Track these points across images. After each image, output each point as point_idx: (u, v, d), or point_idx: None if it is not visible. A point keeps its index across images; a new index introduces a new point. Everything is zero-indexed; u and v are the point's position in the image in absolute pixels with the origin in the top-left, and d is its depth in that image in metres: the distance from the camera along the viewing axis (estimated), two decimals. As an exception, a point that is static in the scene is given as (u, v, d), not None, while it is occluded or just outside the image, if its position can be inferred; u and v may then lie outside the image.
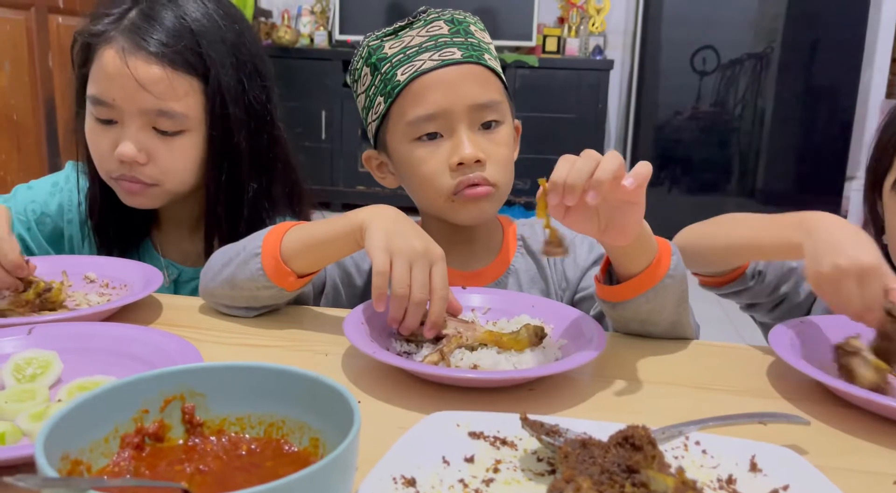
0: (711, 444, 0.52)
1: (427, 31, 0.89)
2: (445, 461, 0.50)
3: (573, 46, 4.23)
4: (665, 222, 4.04)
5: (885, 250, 0.89)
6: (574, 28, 4.25)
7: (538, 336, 0.68)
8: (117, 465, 0.45)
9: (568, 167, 0.63)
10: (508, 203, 4.14)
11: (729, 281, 0.91)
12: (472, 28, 0.91)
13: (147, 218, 1.06)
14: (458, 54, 0.87)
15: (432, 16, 0.90)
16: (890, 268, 0.68)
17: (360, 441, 0.46)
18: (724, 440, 0.52)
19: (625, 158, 3.98)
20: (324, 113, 4.28)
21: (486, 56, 0.90)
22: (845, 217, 3.69)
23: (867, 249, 0.68)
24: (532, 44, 4.12)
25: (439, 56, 0.87)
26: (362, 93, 0.94)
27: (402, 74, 0.87)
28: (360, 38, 3.67)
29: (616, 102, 4.47)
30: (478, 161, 0.86)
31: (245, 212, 0.99)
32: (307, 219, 1.11)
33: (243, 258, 0.80)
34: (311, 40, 4.52)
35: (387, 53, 0.89)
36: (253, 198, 0.99)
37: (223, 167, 0.97)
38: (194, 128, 0.94)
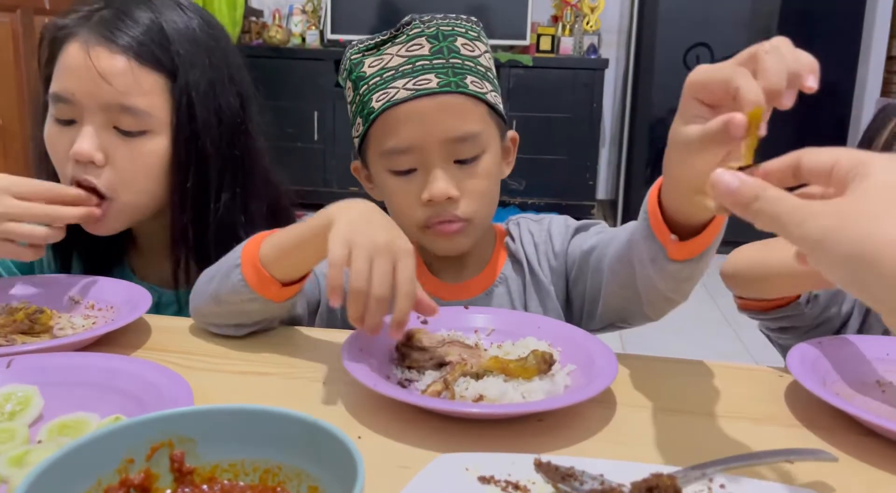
0: (736, 487, 0.49)
1: (407, 51, 0.84)
2: (454, 511, 0.46)
3: (567, 45, 4.21)
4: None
5: None
6: (568, 27, 4.23)
7: (547, 363, 0.65)
8: (100, 521, 0.42)
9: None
10: (503, 204, 4.11)
11: (779, 306, 0.84)
12: (460, 42, 0.85)
13: (122, 240, 1.01)
14: (433, 82, 0.83)
15: (415, 30, 0.85)
16: None
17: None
18: (749, 483, 0.49)
19: (620, 157, 3.98)
20: (316, 113, 4.24)
21: (469, 79, 0.84)
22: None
23: None
24: (526, 43, 4.09)
25: (414, 84, 0.83)
26: (348, 104, 0.91)
27: (376, 101, 0.84)
28: (352, 37, 3.64)
29: (611, 101, 4.45)
30: (449, 198, 0.83)
31: (213, 225, 0.94)
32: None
33: (225, 271, 0.76)
34: (303, 40, 4.48)
35: (365, 72, 0.86)
36: (225, 212, 0.94)
37: (189, 174, 0.91)
38: (157, 130, 0.89)
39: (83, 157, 0.86)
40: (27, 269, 1.02)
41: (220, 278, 0.76)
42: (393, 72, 0.84)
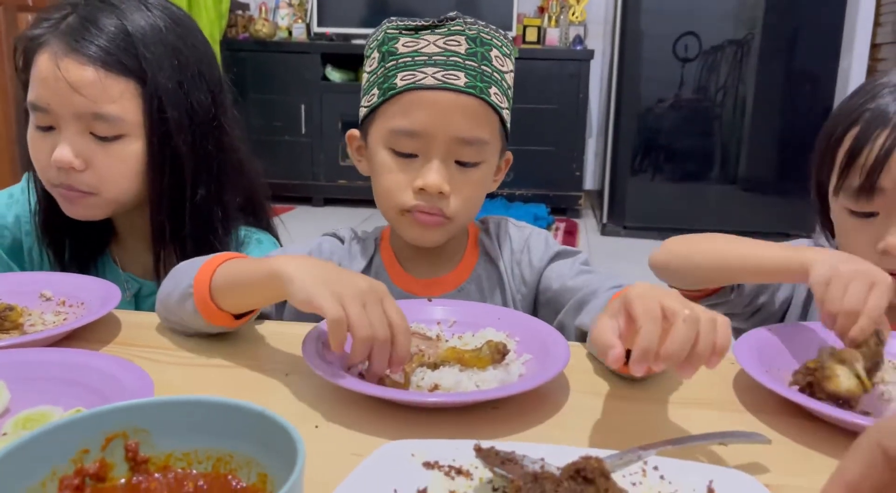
0: (670, 469, 0.51)
1: (445, 43, 0.85)
2: (397, 495, 0.48)
3: (553, 36, 4.22)
4: (648, 211, 4.03)
5: None
6: (554, 18, 4.24)
7: (500, 353, 0.67)
8: (54, 510, 0.44)
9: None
10: (489, 195, 4.13)
11: (708, 295, 0.91)
12: (494, 53, 0.87)
13: (105, 231, 1.04)
14: (462, 81, 0.84)
15: (457, 27, 0.85)
16: None
17: (315, 469, 0.45)
18: (682, 465, 0.51)
19: (606, 148, 4.00)
20: (303, 107, 4.24)
21: (493, 90, 0.86)
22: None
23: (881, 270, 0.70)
24: (512, 34, 4.10)
25: (443, 76, 0.84)
26: (366, 73, 0.91)
27: (401, 80, 0.85)
28: (338, 30, 3.62)
29: (597, 92, 4.46)
30: (441, 192, 0.84)
31: (190, 220, 0.96)
32: (268, 226, 1.09)
33: (181, 295, 0.76)
34: (290, 33, 4.48)
35: (397, 49, 0.86)
36: (201, 206, 0.97)
37: (164, 173, 0.94)
38: (132, 133, 0.92)
39: (63, 164, 0.89)
40: (17, 255, 1.04)
41: (177, 300, 0.77)
42: (425, 58, 0.84)
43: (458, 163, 0.86)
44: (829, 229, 0.93)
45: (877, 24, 3.97)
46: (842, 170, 0.85)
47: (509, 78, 0.90)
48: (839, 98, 3.80)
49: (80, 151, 0.90)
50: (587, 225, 4.13)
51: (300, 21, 4.48)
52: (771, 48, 3.67)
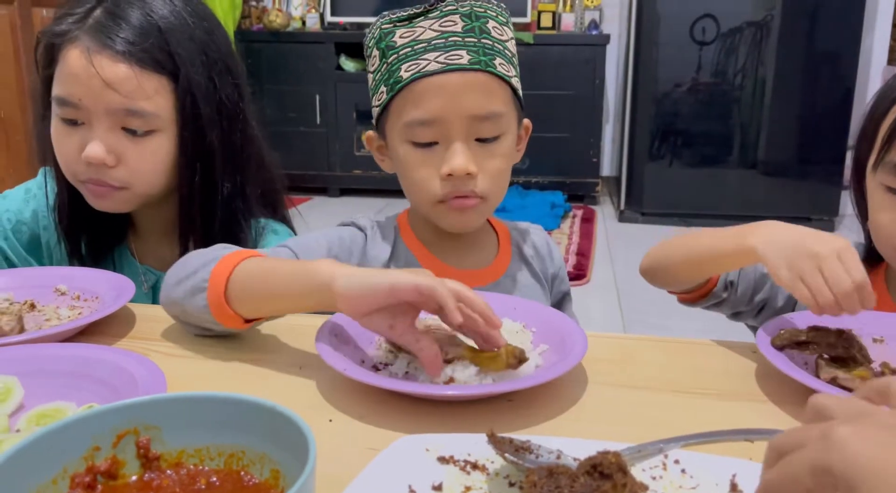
0: (691, 462, 0.50)
1: (440, 26, 0.84)
2: (412, 491, 0.47)
3: (569, 21, 4.17)
4: (667, 197, 3.98)
5: (868, 237, 0.89)
6: (569, 2, 4.19)
7: (517, 359, 0.65)
8: (66, 508, 0.43)
9: None
10: (507, 183, 4.10)
11: (703, 296, 0.90)
12: (491, 24, 0.86)
13: (122, 223, 1.04)
14: (465, 59, 0.83)
15: (449, 7, 0.85)
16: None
17: (329, 463, 0.45)
18: (704, 458, 0.50)
19: (623, 134, 3.95)
20: (318, 97, 4.23)
21: (498, 60, 0.85)
22: (847, 188, 3.65)
23: (830, 235, 0.70)
24: (527, 20, 4.06)
25: (445, 58, 0.83)
26: (370, 73, 0.91)
27: (405, 71, 0.84)
28: (352, 20, 3.61)
29: (613, 77, 4.41)
30: (468, 174, 0.84)
31: (219, 213, 0.96)
32: (284, 218, 1.09)
33: (192, 287, 0.73)
34: (303, 23, 4.47)
35: (396, 43, 0.85)
36: (227, 199, 0.97)
37: (196, 168, 0.94)
38: (164, 128, 0.92)
39: (95, 161, 0.89)
40: (35, 250, 1.05)
41: (187, 292, 0.73)
42: (425, 44, 0.84)
43: (479, 140, 0.85)
44: (863, 211, 0.91)
45: (900, 2, 3.88)
46: (883, 144, 0.83)
47: (511, 45, 0.89)
48: (861, 79, 3.73)
49: (112, 147, 0.90)
50: (605, 212, 4.10)
51: (313, 11, 4.46)
52: (790, 29, 3.60)
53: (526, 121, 0.95)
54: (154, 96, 0.90)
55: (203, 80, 0.92)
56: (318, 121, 4.27)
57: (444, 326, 0.71)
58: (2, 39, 2.72)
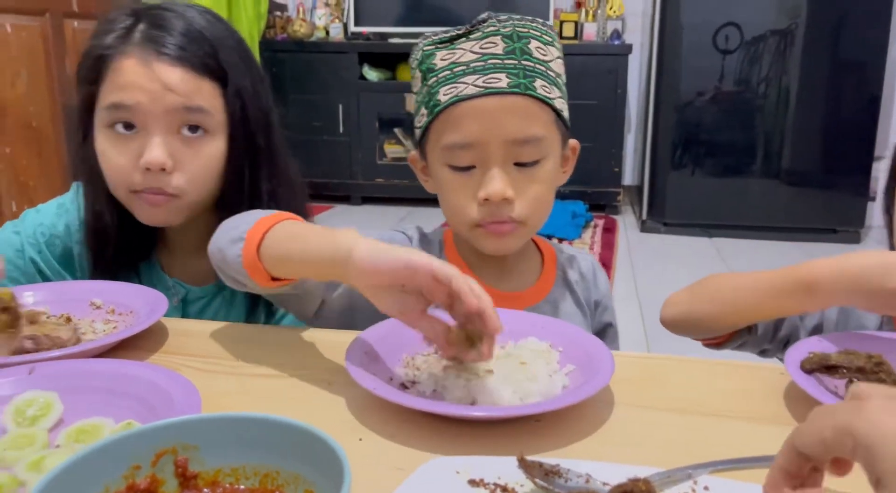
0: (721, 489, 0.50)
1: (481, 48, 0.83)
2: (443, 513, 0.48)
3: (591, 31, 4.17)
4: (689, 207, 3.97)
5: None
6: (591, 12, 4.19)
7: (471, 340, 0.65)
8: (108, 526, 0.45)
9: None
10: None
11: (726, 341, 0.89)
12: (534, 45, 0.85)
13: (151, 238, 1.06)
14: (503, 82, 0.82)
15: (490, 28, 0.84)
16: None
17: (358, 483, 0.45)
18: (734, 486, 0.50)
19: (645, 142, 3.94)
20: (341, 106, 4.27)
21: (539, 82, 0.84)
22: (873, 199, 3.60)
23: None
24: (549, 29, 4.06)
25: (484, 82, 0.82)
26: (414, 94, 0.92)
27: (443, 95, 0.84)
28: (375, 30, 3.65)
29: (636, 87, 4.40)
30: (505, 199, 0.83)
31: None
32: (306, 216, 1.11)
33: (235, 235, 0.76)
34: (327, 33, 4.51)
35: (436, 65, 0.85)
36: (266, 205, 0.99)
37: (243, 173, 0.97)
38: (217, 132, 0.95)
39: (156, 165, 0.91)
40: (69, 264, 1.07)
41: (229, 239, 0.76)
42: (464, 67, 0.83)
43: (518, 164, 0.84)
44: (890, 231, 0.90)
45: (928, 11, 3.83)
46: None
47: (556, 65, 0.87)
48: (887, 88, 3.70)
49: (171, 152, 0.92)
50: (626, 222, 4.09)
51: (337, 21, 4.51)
52: (816, 38, 3.57)
53: (573, 141, 0.93)
54: (209, 98, 0.93)
55: (248, 85, 0.96)
56: (341, 130, 4.30)
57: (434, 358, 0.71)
58: (34, 51, 2.78)
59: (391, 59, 4.30)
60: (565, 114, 0.89)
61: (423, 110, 0.88)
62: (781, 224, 3.71)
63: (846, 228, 3.68)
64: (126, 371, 0.67)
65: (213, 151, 0.95)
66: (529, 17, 0.86)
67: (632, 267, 3.28)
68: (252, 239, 0.74)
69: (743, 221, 3.77)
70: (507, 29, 0.84)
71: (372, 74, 4.27)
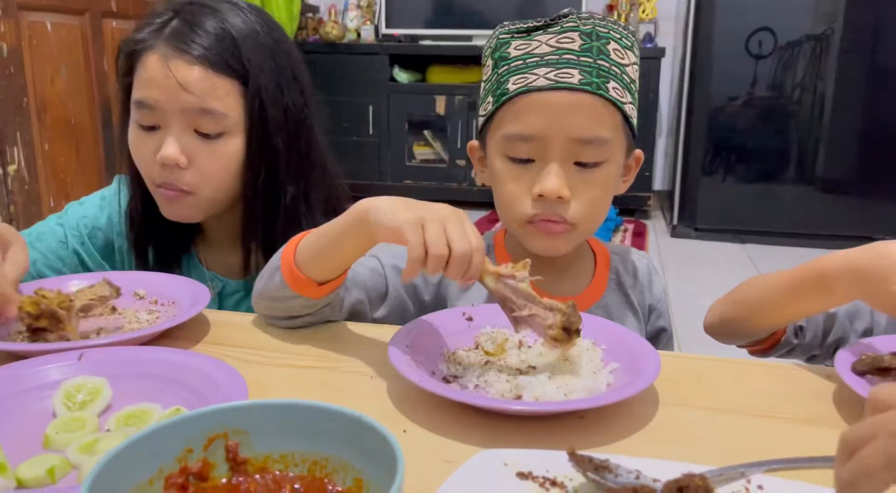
0: (775, 488, 0.49)
1: (557, 42, 0.82)
2: (492, 505, 0.48)
3: (623, 34, 4.14)
4: (721, 212, 3.92)
5: None
6: (624, 16, 4.17)
7: (567, 332, 0.67)
8: (162, 507, 0.45)
9: None
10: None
11: (773, 346, 0.87)
12: (612, 46, 0.83)
13: (190, 232, 1.07)
14: (576, 78, 0.80)
15: (570, 23, 0.82)
16: None
17: (406, 475, 0.44)
18: (788, 485, 0.49)
19: (677, 148, 3.90)
20: (371, 108, 4.29)
21: (612, 84, 0.82)
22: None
23: None
24: (580, 32, 4.05)
25: (555, 75, 0.80)
26: (483, 82, 0.90)
27: (513, 84, 0.82)
28: (406, 31, 3.66)
29: (668, 91, 4.36)
30: (560, 198, 0.81)
31: (281, 217, 0.99)
32: None
33: (270, 272, 0.80)
34: (358, 35, 4.54)
35: (509, 54, 0.84)
36: (290, 203, 1.00)
37: (261, 172, 0.98)
38: (234, 131, 0.95)
39: (169, 161, 0.93)
40: (110, 256, 1.09)
41: (267, 277, 0.80)
42: (537, 59, 0.82)
43: (579, 164, 0.82)
44: None
45: (969, 16, 3.75)
46: None
47: (631, 71, 0.85)
48: (926, 95, 3.62)
49: (185, 149, 0.93)
50: (656, 227, 4.05)
51: (369, 23, 4.53)
52: (852, 43, 3.51)
53: (637, 151, 0.91)
54: (225, 98, 0.93)
55: (271, 85, 0.96)
56: (371, 131, 4.32)
57: (522, 281, 0.71)
58: (73, 50, 2.83)
59: (421, 60, 4.31)
60: (634, 121, 0.87)
61: (490, 98, 0.86)
62: (815, 231, 3.65)
63: (882, 235, 3.59)
64: (173, 359, 0.68)
65: (229, 149, 0.95)
66: (613, 20, 0.85)
67: (661, 271, 3.25)
68: (286, 259, 0.78)
69: (776, 228, 3.71)
70: (587, 27, 0.82)
71: (402, 76, 4.29)
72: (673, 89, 4.35)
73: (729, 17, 3.58)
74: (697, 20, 3.65)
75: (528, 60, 0.82)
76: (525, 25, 0.84)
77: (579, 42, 0.81)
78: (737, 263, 3.42)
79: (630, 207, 4.12)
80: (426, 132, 4.35)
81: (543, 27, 0.83)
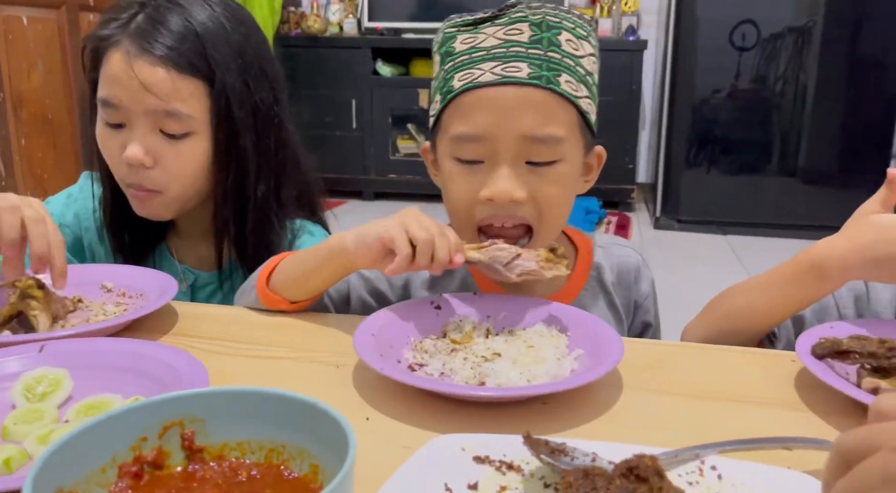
0: (728, 469, 0.49)
1: (505, 34, 0.76)
2: (448, 489, 0.48)
3: (605, 27, 4.15)
4: (704, 204, 3.94)
5: None
6: (606, 8, 4.17)
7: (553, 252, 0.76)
8: (114, 495, 0.45)
9: None
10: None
11: None
12: (564, 37, 0.77)
13: (162, 225, 1.06)
14: (524, 72, 0.74)
15: (518, 14, 0.77)
16: None
17: (365, 461, 0.45)
18: (741, 465, 0.50)
19: (660, 140, 3.92)
20: (354, 101, 4.28)
21: (564, 78, 0.76)
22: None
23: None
24: (563, 25, 4.05)
25: (502, 70, 0.75)
26: (433, 79, 0.85)
27: (458, 81, 0.77)
28: (389, 25, 3.64)
29: (651, 83, 4.37)
30: (513, 201, 0.75)
31: (251, 215, 0.98)
32: (321, 220, 1.10)
33: (247, 290, 0.88)
34: (341, 28, 4.51)
35: (455, 48, 0.79)
36: (261, 201, 0.99)
37: (229, 171, 0.97)
38: (200, 131, 0.94)
39: (134, 161, 0.92)
40: (79, 252, 1.08)
41: (244, 296, 0.89)
42: (483, 53, 0.76)
43: (531, 164, 0.77)
44: None
45: (948, 7, 3.78)
46: None
47: (587, 63, 0.79)
48: (906, 87, 3.65)
49: (150, 149, 0.92)
50: (640, 219, 4.07)
51: (351, 16, 4.51)
52: (834, 35, 3.54)
53: (598, 148, 0.85)
54: (189, 99, 0.92)
55: (238, 83, 0.94)
56: (354, 125, 4.31)
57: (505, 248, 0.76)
58: (50, 44, 2.80)
59: (405, 54, 4.30)
60: (592, 117, 0.81)
61: (437, 97, 0.81)
62: (797, 222, 3.68)
63: (862, 226, 3.64)
64: (135, 349, 0.68)
65: (195, 149, 0.94)
66: (565, 8, 0.79)
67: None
68: (260, 282, 0.85)
69: (758, 219, 3.74)
70: (537, 16, 0.76)
71: (385, 70, 4.28)
72: (656, 82, 4.36)
73: (712, 9, 3.59)
74: (679, 12, 3.66)
75: (473, 55, 0.77)
76: (472, 17, 0.79)
77: (528, 33, 0.76)
78: (720, 254, 3.44)
79: (613, 199, 4.13)
80: (410, 126, 4.34)
81: (491, 19, 0.78)
